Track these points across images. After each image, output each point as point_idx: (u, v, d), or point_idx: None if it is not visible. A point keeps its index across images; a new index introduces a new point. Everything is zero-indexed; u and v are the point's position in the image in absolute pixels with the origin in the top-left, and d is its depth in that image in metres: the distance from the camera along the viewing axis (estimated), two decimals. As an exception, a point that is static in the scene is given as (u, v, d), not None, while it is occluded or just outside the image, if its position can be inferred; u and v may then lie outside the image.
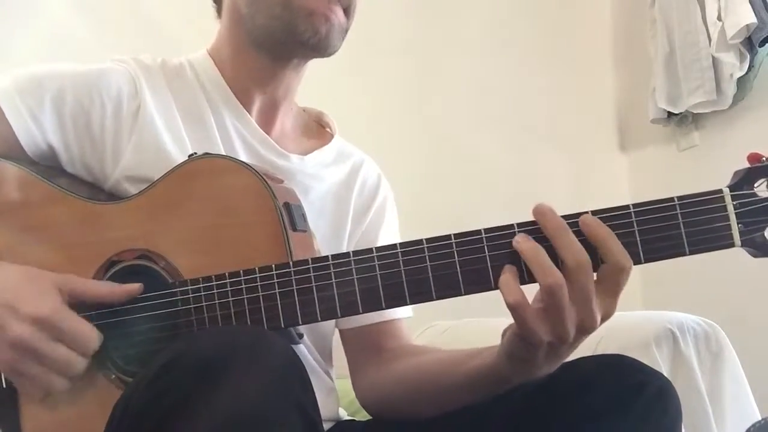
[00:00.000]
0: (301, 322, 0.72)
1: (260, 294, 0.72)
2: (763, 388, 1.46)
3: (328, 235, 0.96)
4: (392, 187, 1.08)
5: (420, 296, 0.70)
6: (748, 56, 2.21)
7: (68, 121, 0.86)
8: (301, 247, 0.77)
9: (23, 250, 0.80)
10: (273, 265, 0.72)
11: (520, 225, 0.68)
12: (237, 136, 0.94)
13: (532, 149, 2.57)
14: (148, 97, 0.89)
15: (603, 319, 0.68)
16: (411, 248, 0.70)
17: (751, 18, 2.13)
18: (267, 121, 0.97)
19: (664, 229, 0.68)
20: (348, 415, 1.04)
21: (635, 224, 0.68)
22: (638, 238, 0.67)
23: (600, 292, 0.67)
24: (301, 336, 0.80)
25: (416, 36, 2.47)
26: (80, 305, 0.75)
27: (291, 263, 0.72)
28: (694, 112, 2.42)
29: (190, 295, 0.74)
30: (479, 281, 0.68)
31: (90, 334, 0.73)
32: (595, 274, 0.67)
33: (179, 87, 0.94)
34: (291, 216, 0.77)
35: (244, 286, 0.73)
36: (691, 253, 0.68)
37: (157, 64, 0.95)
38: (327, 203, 0.98)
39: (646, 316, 1.40)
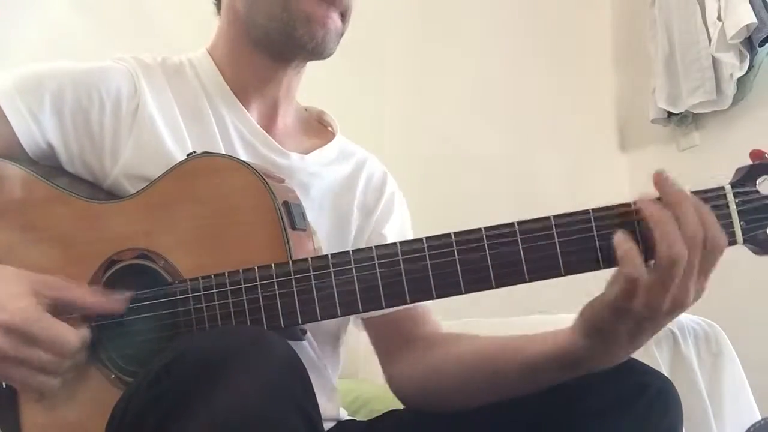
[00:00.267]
0: (300, 322, 0.72)
1: (260, 293, 0.72)
2: (763, 388, 1.46)
3: (331, 231, 0.96)
4: (393, 186, 1.08)
5: (420, 295, 0.70)
6: (748, 56, 2.21)
7: (68, 120, 0.86)
8: (301, 246, 0.77)
9: (23, 250, 0.80)
10: (272, 264, 0.72)
11: (520, 223, 0.68)
12: (237, 134, 0.93)
13: (532, 149, 2.57)
14: (147, 95, 0.89)
15: (694, 299, 0.66)
16: (411, 247, 0.69)
17: (751, 18, 2.12)
18: (267, 120, 0.97)
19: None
20: (348, 415, 1.04)
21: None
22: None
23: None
24: (304, 332, 0.80)
25: (417, 36, 2.47)
26: (66, 307, 0.73)
27: (290, 262, 0.72)
28: (694, 112, 2.42)
29: (190, 295, 0.74)
30: (480, 280, 0.68)
31: (66, 336, 0.69)
32: None
33: (179, 85, 0.93)
34: (290, 215, 0.77)
35: (243, 285, 0.72)
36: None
37: (157, 62, 0.95)
38: (328, 199, 0.97)
39: (646, 316, 1.40)
